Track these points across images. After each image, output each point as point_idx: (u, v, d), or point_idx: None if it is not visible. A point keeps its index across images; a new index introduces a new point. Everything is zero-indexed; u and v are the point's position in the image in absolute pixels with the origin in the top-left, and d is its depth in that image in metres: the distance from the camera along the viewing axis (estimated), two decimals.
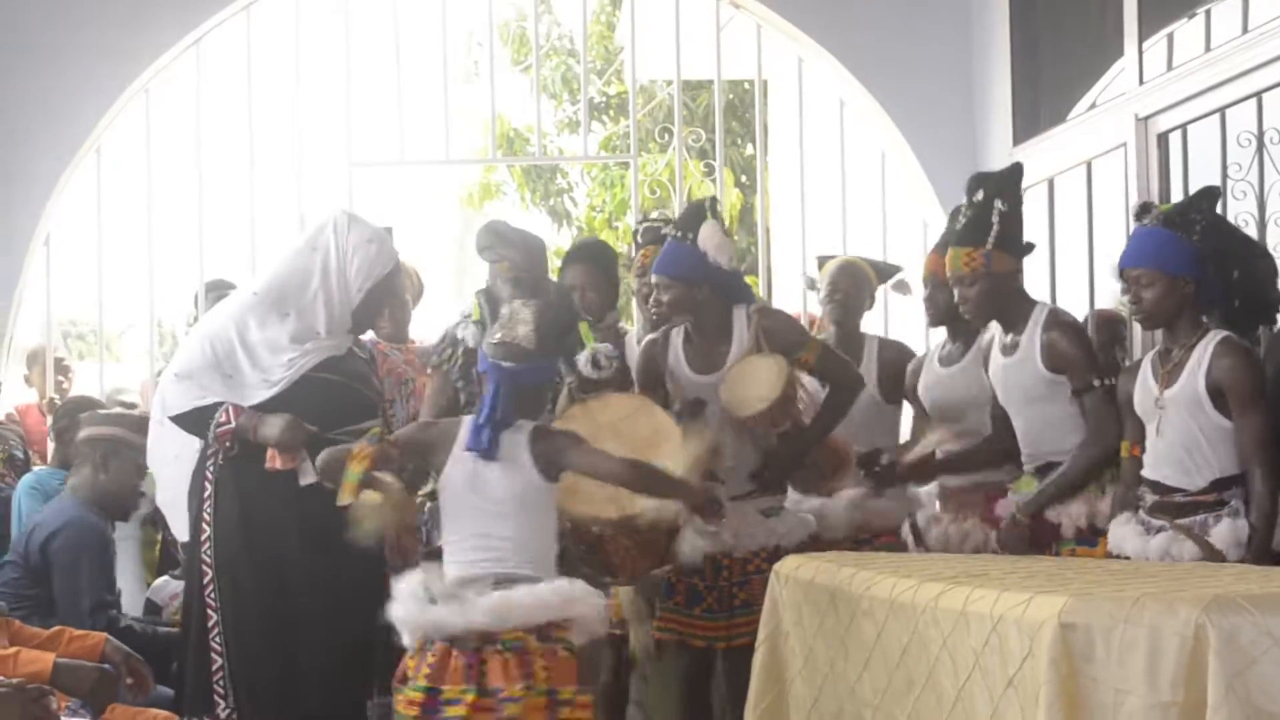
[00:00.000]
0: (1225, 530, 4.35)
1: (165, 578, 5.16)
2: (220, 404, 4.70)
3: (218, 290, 6.22)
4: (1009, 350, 5.06)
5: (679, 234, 5.33)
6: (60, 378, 7.63)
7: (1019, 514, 4.99)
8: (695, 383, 5.33)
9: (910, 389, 5.72)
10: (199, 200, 7.73)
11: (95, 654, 4.28)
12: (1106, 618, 2.96)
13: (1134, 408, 4.66)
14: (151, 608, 5.48)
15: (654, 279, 5.35)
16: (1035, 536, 4.96)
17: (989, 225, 4.98)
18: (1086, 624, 2.97)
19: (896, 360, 5.85)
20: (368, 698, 4.90)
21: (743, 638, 5.12)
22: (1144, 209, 4.70)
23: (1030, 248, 5.12)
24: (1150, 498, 4.54)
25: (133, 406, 7.02)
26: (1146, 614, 2.92)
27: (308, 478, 4.75)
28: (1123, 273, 4.66)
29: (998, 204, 4.98)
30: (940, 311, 5.54)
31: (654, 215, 6.42)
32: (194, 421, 4.75)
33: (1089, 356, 4.99)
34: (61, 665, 4.01)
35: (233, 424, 4.68)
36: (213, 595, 4.68)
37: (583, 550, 4.92)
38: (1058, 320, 5.03)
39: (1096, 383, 4.89)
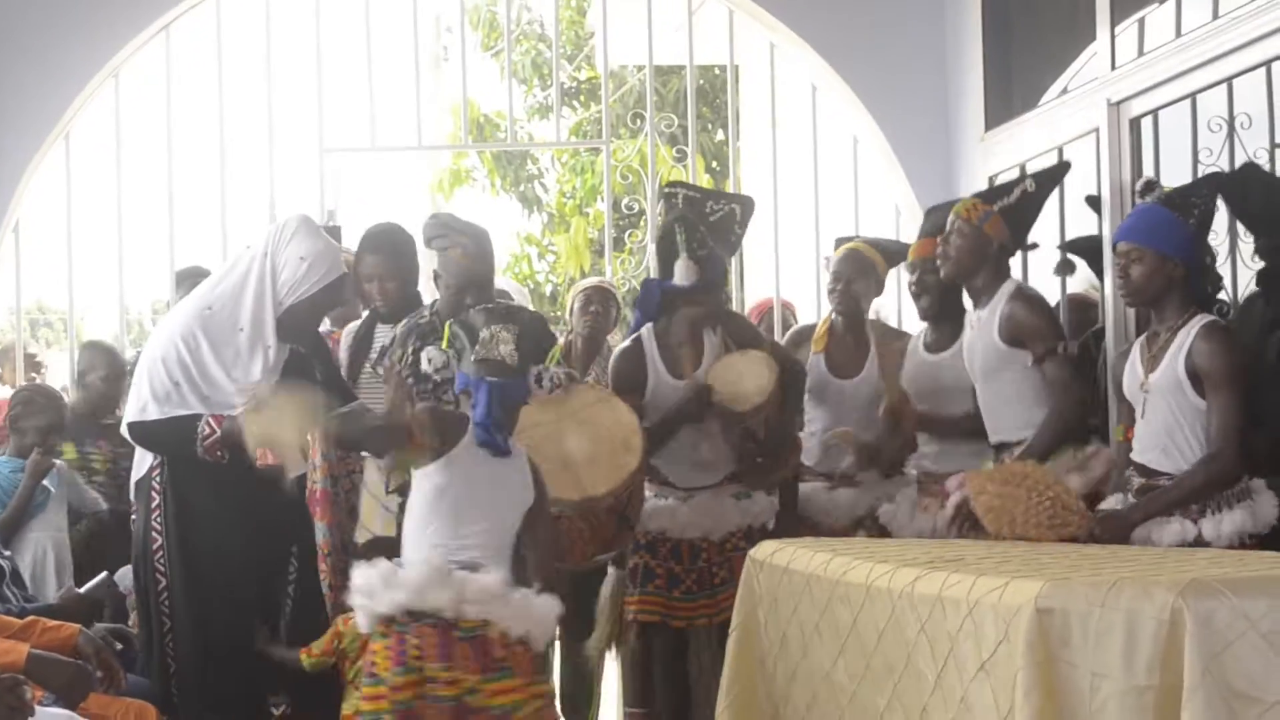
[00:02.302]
0: (1223, 523, 4.36)
1: (128, 567, 5.11)
2: (196, 417, 4.65)
3: (190, 279, 6.17)
4: (975, 325, 5.11)
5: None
6: (33, 374, 7.59)
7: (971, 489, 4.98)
8: (674, 386, 5.44)
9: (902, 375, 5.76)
10: (169, 186, 7.68)
11: (69, 646, 4.24)
12: (1083, 602, 2.97)
13: (1124, 391, 4.68)
14: (119, 598, 5.43)
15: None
16: None
17: (1008, 193, 5.06)
18: (1063, 608, 2.98)
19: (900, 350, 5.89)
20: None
21: (727, 613, 5.25)
22: (1148, 186, 4.71)
23: (1032, 246, 5.17)
24: (1136, 480, 4.56)
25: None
26: (1123, 598, 2.92)
27: (295, 471, 4.78)
28: (1115, 246, 4.68)
29: (1028, 182, 5.05)
30: (928, 296, 5.57)
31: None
32: (165, 432, 4.69)
33: (1050, 325, 5.03)
34: (36, 658, 3.97)
35: (219, 433, 4.63)
36: (165, 603, 4.67)
37: None
38: (1020, 293, 5.08)
39: (1059, 349, 4.92)
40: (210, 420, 4.63)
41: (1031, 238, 5.38)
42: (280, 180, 7.64)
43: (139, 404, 4.72)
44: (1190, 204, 4.61)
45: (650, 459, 5.24)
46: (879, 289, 6.05)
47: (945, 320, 5.53)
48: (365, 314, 5.90)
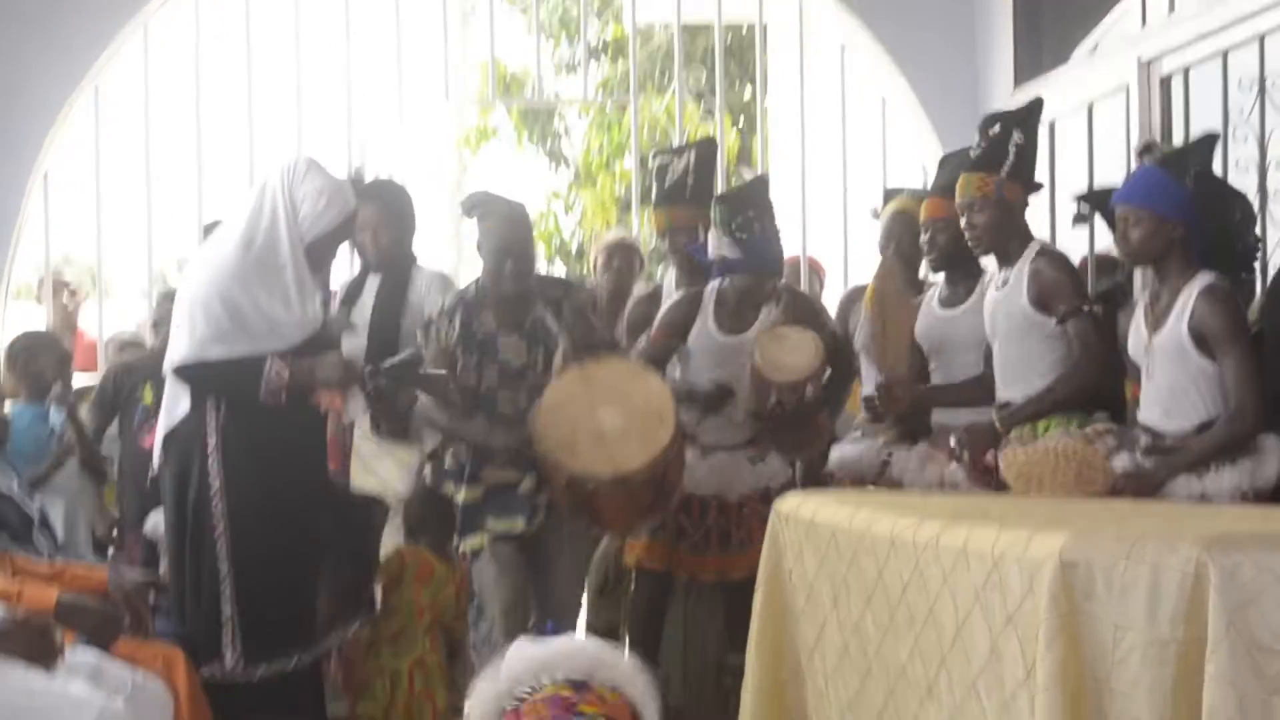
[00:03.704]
0: (1223, 479, 4.37)
1: (157, 514, 5.14)
2: (259, 360, 4.67)
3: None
4: (1000, 285, 5.09)
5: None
6: (67, 304, 7.62)
7: (998, 421, 4.98)
8: (720, 342, 5.51)
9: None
10: (197, 139, 7.70)
11: (99, 590, 4.29)
12: (1107, 555, 2.97)
13: (1130, 352, 4.69)
14: (150, 546, 5.48)
15: None
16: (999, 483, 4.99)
17: (1005, 154, 5.01)
18: (1087, 561, 2.97)
19: None
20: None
21: (739, 572, 5.39)
22: (1146, 147, 4.72)
23: (1038, 186, 5.13)
24: (1144, 440, 4.57)
25: (140, 346, 7.02)
26: (1147, 551, 2.92)
27: (355, 414, 4.98)
28: (1115, 210, 4.67)
29: (1015, 135, 5.00)
30: (940, 254, 5.55)
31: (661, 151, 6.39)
32: (226, 374, 4.70)
33: (1076, 283, 5.02)
34: (65, 602, 4.03)
35: (286, 375, 4.66)
36: (223, 547, 4.68)
37: (575, 504, 5.06)
38: (1045, 252, 5.06)
39: (1084, 308, 4.91)
40: (277, 362, 4.66)
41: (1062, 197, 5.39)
42: (309, 132, 7.65)
43: (191, 345, 4.70)
44: (1187, 165, 4.60)
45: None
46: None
47: (959, 276, 5.52)
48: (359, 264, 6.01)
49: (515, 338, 5.38)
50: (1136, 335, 4.63)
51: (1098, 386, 4.92)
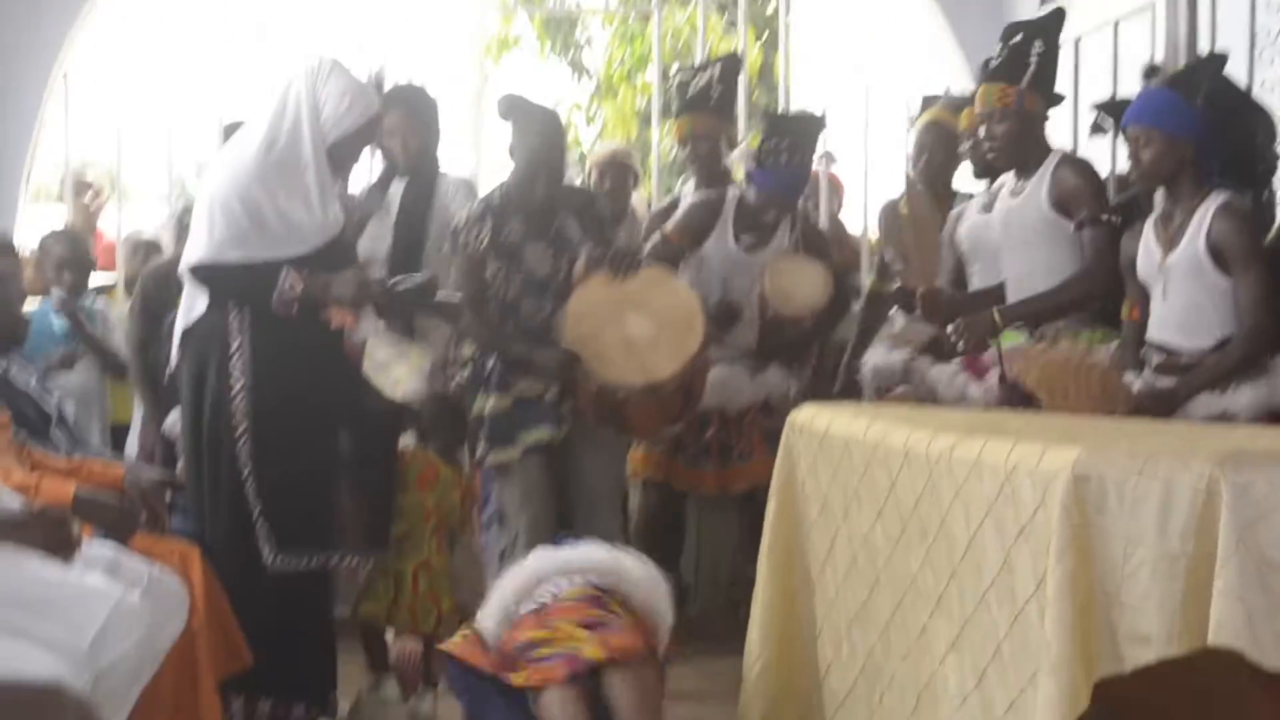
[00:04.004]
0: (1242, 395, 4.37)
1: (176, 412, 5.16)
2: (276, 267, 4.67)
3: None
4: (1016, 193, 5.07)
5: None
6: (89, 204, 7.62)
7: (998, 315, 4.97)
8: (735, 255, 5.53)
9: (948, 237, 5.73)
10: (218, 38, 7.68)
11: (116, 486, 4.33)
12: (1119, 470, 2.97)
13: (1135, 271, 4.67)
14: (167, 443, 5.51)
15: None
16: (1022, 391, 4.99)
17: (1025, 64, 4.98)
18: (1099, 475, 2.98)
19: None
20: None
21: (741, 484, 5.47)
22: (1151, 70, 4.71)
23: (1059, 98, 5.10)
24: (1155, 358, 4.56)
25: (156, 248, 7.03)
26: (1160, 467, 2.93)
27: (366, 333, 4.91)
28: (1125, 130, 4.65)
29: (1036, 45, 4.97)
30: (984, 163, 5.53)
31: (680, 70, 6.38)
32: (241, 278, 4.68)
33: (1097, 191, 5.00)
34: (82, 496, 4.06)
35: (300, 288, 4.66)
36: (245, 446, 4.70)
37: (603, 412, 5.07)
38: (1068, 159, 5.04)
39: (1102, 217, 4.89)
40: (293, 274, 4.66)
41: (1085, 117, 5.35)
42: (330, 35, 7.63)
43: (210, 246, 4.69)
44: (1196, 85, 4.57)
45: None
46: (963, 158, 5.99)
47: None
48: (383, 169, 5.96)
49: (541, 246, 5.35)
50: (1147, 255, 4.62)
51: (1105, 298, 4.92)
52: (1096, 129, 5.72)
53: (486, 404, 5.30)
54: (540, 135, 5.33)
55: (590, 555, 4.40)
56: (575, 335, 5.09)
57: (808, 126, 5.78)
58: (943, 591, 3.45)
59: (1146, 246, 4.61)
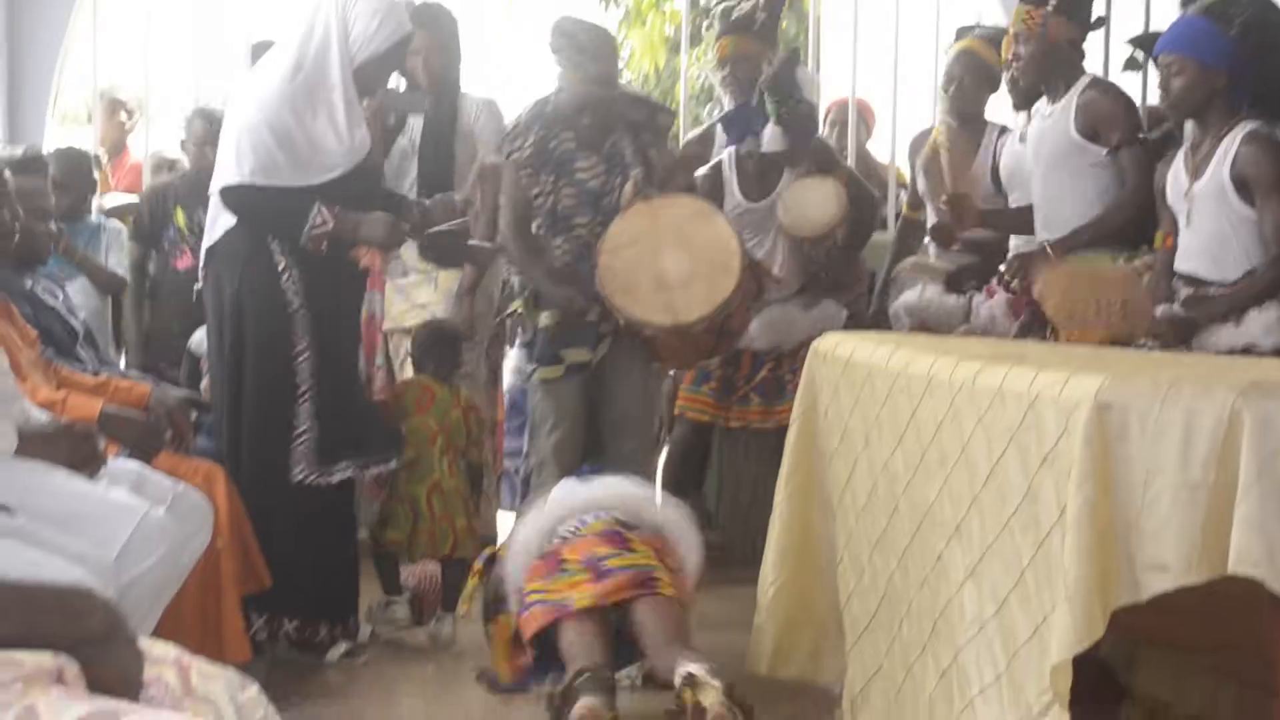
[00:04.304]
0: (1261, 320, 4.37)
1: (203, 330, 5.18)
2: (309, 200, 4.66)
3: (265, 52, 6.15)
4: (1046, 116, 5.06)
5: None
6: (125, 122, 7.62)
7: (1051, 249, 4.98)
8: (749, 208, 5.55)
9: (983, 167, 5.74)
10: None
11: (141, 404, 4.35)
12: (1142, 398, 2.97)
13: (1167, 199, 4.65)
14: (193, 360, 5.54)
15: None
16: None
17: None
18: (1122, 404, 2.98)
19: None
20: None
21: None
22: None
23: (1096, 24, 5.07)
24: (1184, 290, 4.55)
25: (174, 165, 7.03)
26: (1183, 396, 2.92)
27: (394, 274, 5.19)
28: (1157, 58, 4.63)
29: None
30: (1023, 94, 5.51)
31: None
32: (272, 206, 4.70)
33: (1129, 113, 4.99)
34: (108, 413, 4.08)
35: (330, 226, 4.67)
36: (306, 364, 4.73)
37: (635, 341, 5.08)
38: (1099, 82, 5.03)
39: (1139, 139, 4.88)
40: (324, 210, 4.65)
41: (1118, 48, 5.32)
42: None
43: (238, 172, 4.69)
44: (1230, 14, 4.53)
45: None
46: (995, 88, 5.95)
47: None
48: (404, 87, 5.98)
49: (594, 159, 5.31)
50: (1176, 183, 4.61)
51: (1146, 217, 4.91)
52: (1131, 64, 5.68)
53: (539, 319, 5.30)
54: (590, 53, 5.26)
55: (610, 492, 4.42)
56: (609, 265, 5.06)
57: (789, 65, 5.77)
58: (961, 519, 3.45)
59: (1176, 175, 4.60)
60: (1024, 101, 5.50)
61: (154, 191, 6.44)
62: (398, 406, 5.14)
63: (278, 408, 4.72)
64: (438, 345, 5.30)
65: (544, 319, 5.28)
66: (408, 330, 5.66)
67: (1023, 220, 5.31)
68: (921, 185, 6.04)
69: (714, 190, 5.71)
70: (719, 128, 6.17)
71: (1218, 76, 4.47)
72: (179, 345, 5.83)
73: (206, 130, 6.17)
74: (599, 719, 3.69)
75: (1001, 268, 5.14)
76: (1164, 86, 4.57)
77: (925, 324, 5.59)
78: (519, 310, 5.48)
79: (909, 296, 5.67)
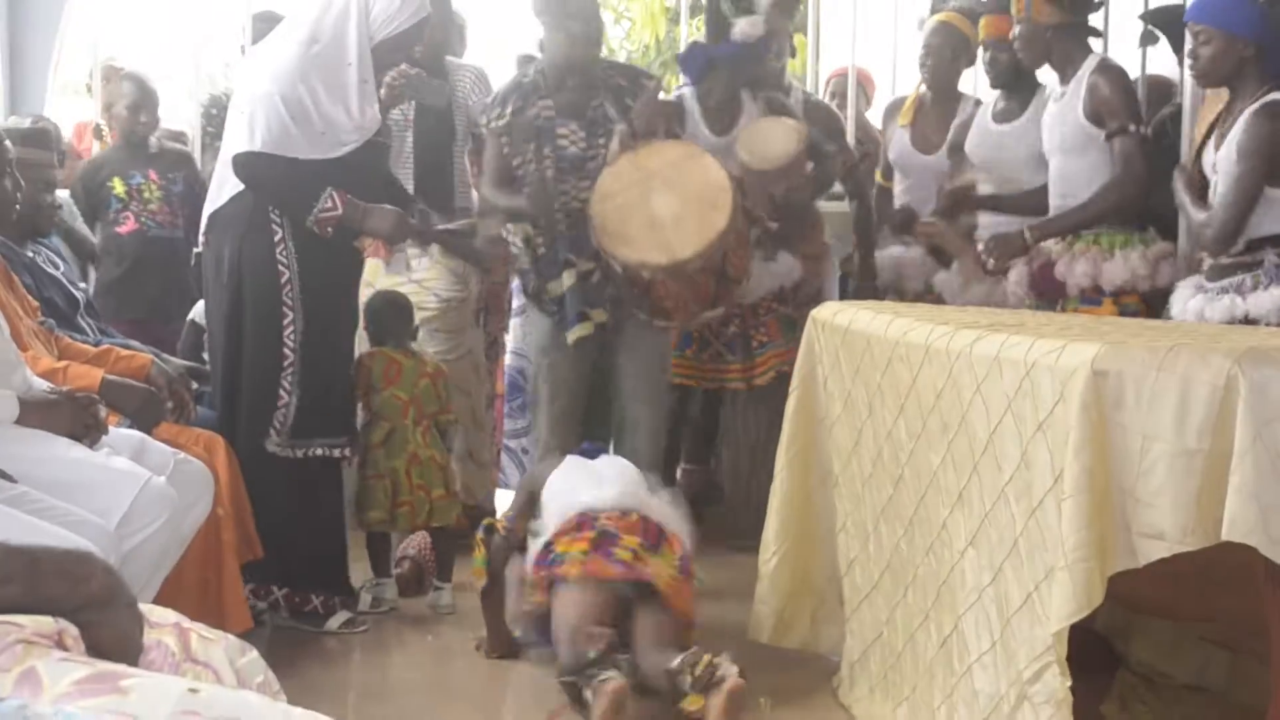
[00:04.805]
0: (1265, 298, 4.37)
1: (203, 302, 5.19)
2: (321, 182, 4.66)
3: (266, 22, 6.15)
4: (1059, 99, 5.08)
5: None
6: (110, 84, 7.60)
7: (1029, 232, 5.04)
8: (715, 143, 5.53)
9: (956, 144, 5.73)
10: None
11: (142, 374, 4.35)
12: (1138, 365, 2.98)
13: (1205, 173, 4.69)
14: (196, 331, 5.55)
15: None
16: (1041, 289, 5.03)
17: None
18: (1118, 371, 2.99)
19: None
20: None
21: (765, 374, 5.52)
22: None
23: (1095, 5, 5.08)
24: (1207, 260, 4.58)
25: (181, 137, 7.03)
26: (1179, 363, 2.93)
27: (398, 268, 5.20)
28: (1187, 27, 4.63)
29: None
30: (1001, 72, 5.53)
31: None
32: (283, 180, 4.68)
33: (1128, 101, 5.00)
34: (109, 382, 4.08)
35: (339, 211, 4.67)
36: (291, 336, 4.74)
37: (635, 295, 5.06)
38: (1103, 66, 5.03)
39: (1132, 128, 4.89)
40: (334, 195, 4.65)
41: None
42: None
43: (252, 138, 4.67)
44: None
45: None
46: (970, 62, 5.98)
47: (1016, 91, 5.50)
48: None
49: (574, 125, 5.30)
50: (1207, 157, 4.63)
51: (1137, 207, 4.93)
52: (1146, 38, 5.68)
53: (560, 283, 5.28)
54: (574, 13, 5.25)
55: (604, 479, 4.40)
56: (600, 213, 5.05)
57: None
58: (963, 487, 3.46)
59: (1209, 148, 4.62)
60: (1000, 80, 5.53)
61: (87, 166, 6.46)
62: (366, 381, 5.12)
63: (264, 376, 4.74)
64: (390, 315, 5.30)
65: (566, 280, 5.23)
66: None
67: (1032, 203, 5.32)
68: (892, 154, 6.07)
69: (680, 124, 5.73)
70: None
71: (1245, 46, 4.47)
72: (131, 308, 5.95)
73: (137, 95, 6.17)
74: (625, 695, 3.66)
75: (979, 248, 5.16)
76: (1193, 55, 4.58)
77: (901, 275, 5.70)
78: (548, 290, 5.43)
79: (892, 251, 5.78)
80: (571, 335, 5.26)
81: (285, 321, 4.71)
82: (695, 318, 5.29)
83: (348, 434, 4.93)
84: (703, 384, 5.95)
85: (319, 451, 4.81)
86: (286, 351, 4.72)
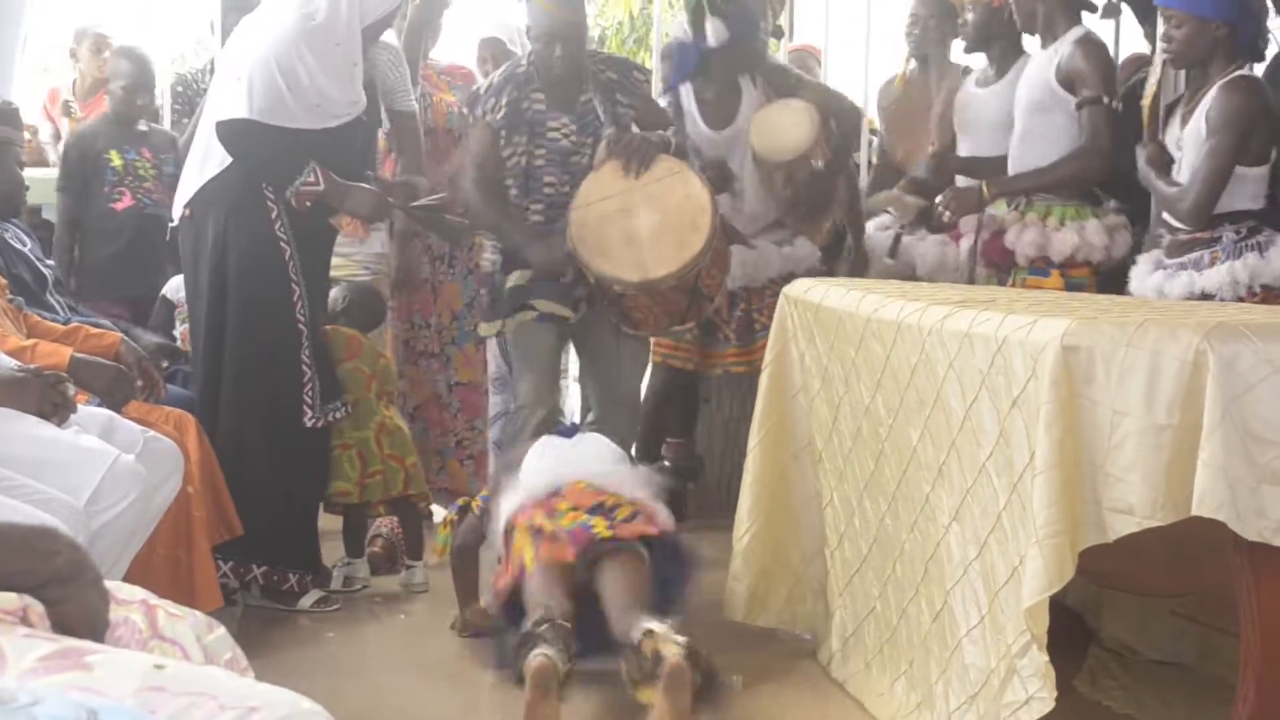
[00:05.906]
0: (1218, 273, 4.40)
1: (180, 276, 5.16)
2: (304, 142, 4.66)
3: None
4: (1035, 61, 5.14)
5: None
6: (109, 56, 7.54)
7: (987, 190, 5.06)
8: (714, 138, 5.49)
9: (945, 112, 5.75)
10: None
11: (111, 352, 4.33)
12: (1108, 341, 2.99)
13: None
14: (167, 307, 5.52)
15: None
16: (990, 258, 5.06)
17: None
18: (1088, 346, 3.00)
19: None
20: None
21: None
22: None
23: None
24: (1166, 237, 4.60)
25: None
26: (1148, 338, 2.94)
27: (372, 246, 5.23)
28: (1160, 11, 4.64)
29: None
30: (976, 35, 5.54)
31: None
32: (268, 147, 4.67)
33: (1103, 74, 5.02)
34: (78, 360, 4.06)
35: (320, 186, 4.68)
36: (302, 310, 4.75)
37: (606, 303, 5.04)
38: (1085, 38, 5.06)
39: (1105, 100, 4.92)
40: (318, 170, 4.67)
41: None
42: None
43: (250, 104, 4.65)
44: None
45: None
46: (957, 31, 5.96)
47: (995, 55, 5.52)
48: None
49: (565, 119, 5.26)
50: (1172, 133, 4.66)
51: (1100, 178, 4.97)
52: (1110, 11, 5.70)
53: (510, 279, 5.25)
54: (555, 10, 5.22)
55: (580, 459, 4.40)
56: (580, 221, 5.02)
57: None
58: (943, 462, 3.47)
59: (1174, 124, 4.65)
60: (972, 44, 5.57)
61: (79, 136, 6.37)
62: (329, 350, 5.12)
63: (286, 356, 4.76)
64: (366, 303, 5.35)
65: (513, 279, 5.21)
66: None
67: (1000, 169, 5.34)
68: (884, 134, 6.09)
69: (677, 122, 5.67)
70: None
71: (1218, 27, 4.50)
72: (122, 287, 5.90)
73: (135, 76, 6.12)
74: (552, 672, 3.63)
75: (937, 201, 5.18)
76: (1166, 39, 4.61)
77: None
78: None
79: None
80: (512, 322, 5.20)
81: (295, 298, 4.75)
82: (664, 330, 5.27)
83: (338, 396, 4.96)
84: (706, 369, 5.90)
85: (338, 415, 4.91)
86: (301, 327, 4.76)
